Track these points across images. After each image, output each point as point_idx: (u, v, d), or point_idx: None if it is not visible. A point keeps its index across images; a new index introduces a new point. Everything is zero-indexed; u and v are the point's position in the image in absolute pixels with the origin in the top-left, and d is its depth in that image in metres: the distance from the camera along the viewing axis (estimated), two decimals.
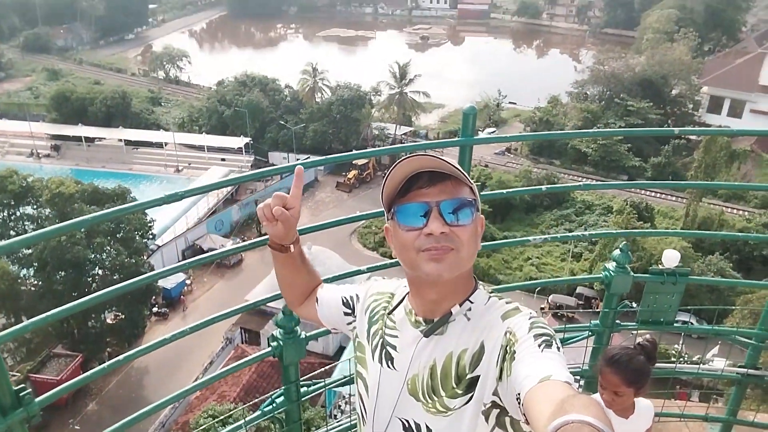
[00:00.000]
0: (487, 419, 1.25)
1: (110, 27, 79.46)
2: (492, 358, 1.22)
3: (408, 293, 1.43)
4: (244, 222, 35.80)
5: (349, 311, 1.59)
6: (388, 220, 1.36)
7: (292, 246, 1.60)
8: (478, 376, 1.25)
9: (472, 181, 1.30)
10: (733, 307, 18.98)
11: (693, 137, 39.79)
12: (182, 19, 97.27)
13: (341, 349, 22.77)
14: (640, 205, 30.71)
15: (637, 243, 24.22)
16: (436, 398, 1.30)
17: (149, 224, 26.39)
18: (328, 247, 25.21)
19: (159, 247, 29.98)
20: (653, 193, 35.29)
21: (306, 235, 2.62)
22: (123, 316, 23.90)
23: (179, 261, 30.98)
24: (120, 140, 43.46)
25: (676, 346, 14.37)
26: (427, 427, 1.32)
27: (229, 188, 37.08)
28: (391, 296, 1.49)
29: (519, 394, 1.09)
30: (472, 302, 1.33)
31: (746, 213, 32.92)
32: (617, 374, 2.38)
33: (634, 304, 3.41)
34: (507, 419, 1.24)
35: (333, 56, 69.32)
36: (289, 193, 1.51)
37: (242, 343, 23.27)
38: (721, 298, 23.70)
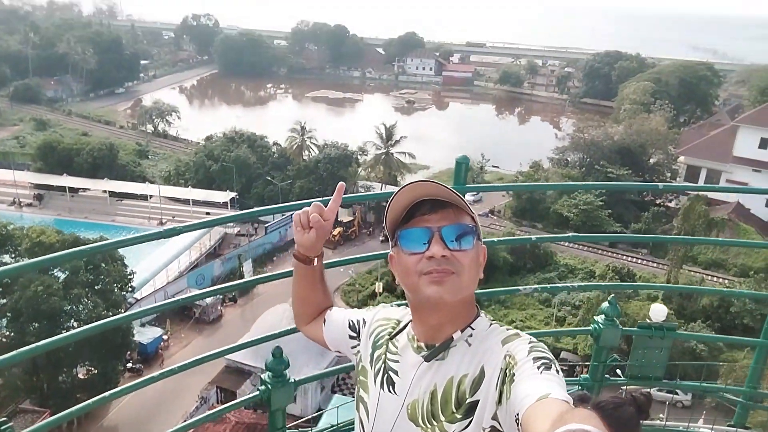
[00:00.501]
0: None
1: (101, 80, 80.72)
2: (492, 382, 1.24)
3: (411, 321, 1.44)
4: (225, 277, 35.37)
5: (355, 335, 1.60)
6: (392, 247, 1.40)
7: (315, 259, 1.63)
8: (478, 401, 1.26)
9: (473, 211, 1.34)
10: (719, 363, 18.92)
11: (671, 205, 40.85)
12: (173, 76, 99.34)
13: (320, 412, 22.09)
14: (622, 271, 31.03)
15: (621, 308, 24.26)
16: (435, 423, 1.30)
17: (129, 276, 25.97)
18: None
19: (137, 300, 29.34)
20: (635, 259, 35.73)
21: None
22: (95, 371, 23.08)
23: (156, 315, 30.39)
24: (104, 191, 43.29)
25: (661, 415, 14.22)
26: None
27: (212, 242, 36.90)
28: (397, 323, 1.50)
29: (518, 414, 1.09)
30: (473, 328, 1.35)
31: (726, 281, 33.32)
32: (602, 423, 2.34)
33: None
34: None
35: (321, 116, 70.81)
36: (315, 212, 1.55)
37: (218, 402, 22.49)
38: (704, 366, 23.60)
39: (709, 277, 33.34)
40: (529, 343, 1.24)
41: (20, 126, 62.68)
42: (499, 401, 1.20)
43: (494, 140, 61.04)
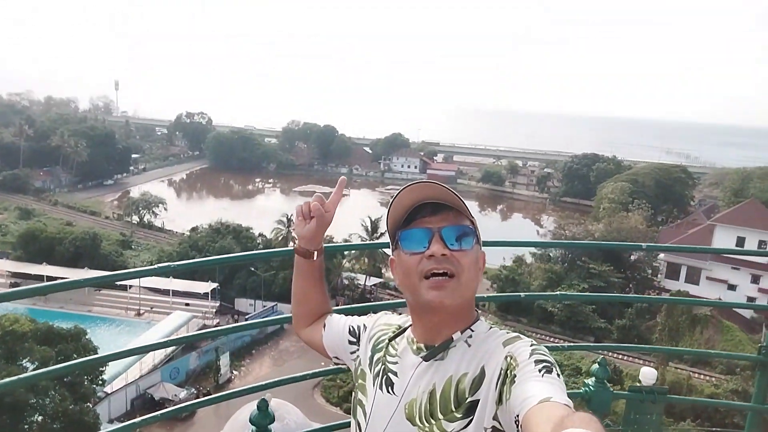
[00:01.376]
0: None
1: (91, 173, 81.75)
2: (492, 382, 1.23)
3: (411, 325, 1.45)
4: (201, 371, 34.11)
5: (355, 341, 1.59)
6: (393, 250, 1.42)
7: (315, 254, 1.64)
8: (478, 400, 1.24)
9: (472, 215, 1.37)
10: (712, 429, 18.15)
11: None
12: (164, 169, 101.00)
13: None
14: (609, 367, 30.48)
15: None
16: (433, 422, 1.28)
17: (101, 368, 24.92)
18: (288, 400, 23.86)
19: (107, 394, 28.03)
20: (621, 356, 35.24)
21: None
22: None
23: (126, 410, 28.92)
24: None
25: None
26: None
27: (189, 334, 35.82)
28: (398, 328, 1.50)
29: (518, 416, 1.08)
30: (473, 330, 1.35)
31: (713, 378, 32.84)
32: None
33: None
34: None
35: None
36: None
37: None
38: None
39: (696, 375, 32.87)
40: (531, 346, 1.24)
41: (4, 215, 62.37)
42: (499, 401, 1.19)
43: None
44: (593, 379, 3.19)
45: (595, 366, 3.22)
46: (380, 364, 1.45)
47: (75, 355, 23.63)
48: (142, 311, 39.95)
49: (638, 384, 3.30)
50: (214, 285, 40.76)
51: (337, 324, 1.66)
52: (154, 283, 42.94)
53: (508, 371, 1.19)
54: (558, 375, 1.16)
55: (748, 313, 38.78)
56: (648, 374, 3.30)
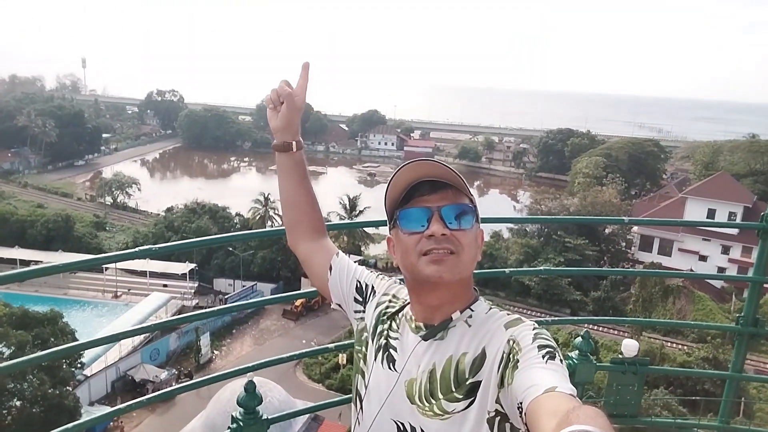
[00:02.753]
0: (492, 427, 1.23)
1: (61, 153, 79.72)
2: (494, 365, 1.22)
3: (409, 303, 1.43)
4: (181, 352, 34.01)
5: (361, 300, 1.56)
6: (390, 229, 1.40)
7: (294, 144, 1.63)
8: (479, 382, 1.24)
9: (471, 193, 1.35)
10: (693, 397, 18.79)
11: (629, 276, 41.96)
12: (136, 149, 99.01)
13: None
14: (593, 350, 31.14)
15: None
16: (433, 401, 1.28)
17: (79, 352, 24.66)
18: (271, 378, 23.99)
19: (87, 377, 27.81)
20: (596, 328, 36.03)
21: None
22: None
23: (107, 393, 28.77)
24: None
25: None
26: (422, 430, 1.29)
27: (169, 315, 35.59)
28: (404, 302, 1.48)
29: (521, 402, 1.08)
30: (473, 310, 1.35)
31: (685, 347, 33.83)
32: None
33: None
34: (507, 426, 1.22)
35: None
36: None
37: None
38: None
39: (669, 344, 33.78)
40: (534, 330, 1.23)
41: None
42: (501, 384, 1.19)
43: None
44: (577, 352, 3.25)
45: (579, 339, 3.27)
46: (383, 339, 1.44)
47: (52, 339, 23.38)
48: (119, 293, 39.51)
49: (620, 356, 3.37)
50: (192, 265, 40.44)
51: (345, 271, 1.60)
52: (130, 264, 42.37)
53: (511, 355, 1.19)
54: (561, 360, 1.16)
55: (718, 283, 39.87)
56: (630, 346, 3.37)
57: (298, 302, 38.28)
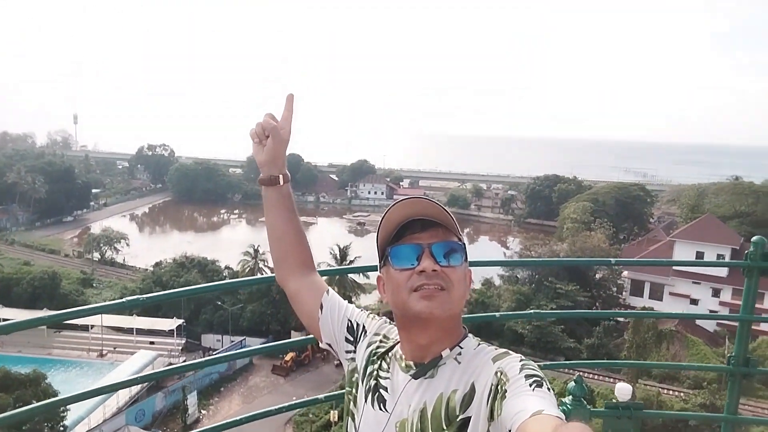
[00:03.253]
0: None
1: (50, 210, 79.44)
2: (483, 398, 1.22)
3: (399, 342, 1.43)
4: (168, 412, 33.02)
5: (352, 340, 1.54)
6: (381, 267, 1.41)
7: (281, 178, 1.61)
8: (469, 417, 1.23)
9: (460, 231, 1.38)
10: None
11: (621, 319, 41.71)
12: (125, 204, 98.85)
13: None
14: (587, 395, 30.62)
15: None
16: None
17: (62, 414, 23.89)
18: None
19: None
20: (591, 375, 35.54)
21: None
22: None
23: None
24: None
25: None
26: None
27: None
28: (395, 342, 1.47)
29: (510, 430, 1.08)
30: (462, 347, 1.35)
31: (681, 393, 33.37)
32: None
33: None
34: None
35: None
36: None
37: None
38: None
39: (665, 391, 33.34)
40: (521, 361, 1.25)
41: None
42: (491, 417, 1.19)
43: None
44: (570, 397, 3.19)
45: (572, 384, 3.22)
46: (373, 379, 1.43)
47: (34, 401, 22.61)
48: (104, 351, 38.61)
49: (614, 401, 3.31)
50: (180, 321, 39.73)
51: (336, 310, 1.59)
52: (116, 321, 41.63)
53: (499, 386, 1.19)
54: (548, 389, 1.17)
55: (711, 327, 39.75)
56: (623, 390, 3.32)
57: (287, 357, 37.57)
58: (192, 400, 32.63)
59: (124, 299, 2.15)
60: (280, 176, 1.63)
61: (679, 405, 30.87)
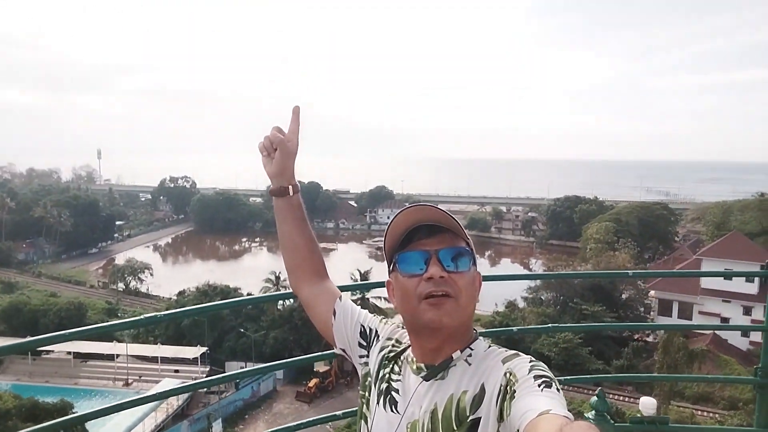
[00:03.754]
0: None
1: (75, 242, 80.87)
2: (492, 399, 1.23)
3: (410, 346, 1.45)
4: None
5: (365, 344, 1.56)
6: (390, 273, 1.43)
7: (291, 188, 1.65)
8: (480, 418, 1.24)
9: (468, 235, 1.40)
10: None
11: (650, 339, 40.77)
12: (148, 235, 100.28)
13: None
14: (610, 411, 30.01)
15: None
16: None
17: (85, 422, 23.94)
18: None
19: None
20: (621, 397, 34.70)
21: None
22: None
23: None
24: (68, 353, 41.35)
25: None
26: None
27: (179, 404, 34.79)
28: (406, 345, 1.49)
29: (518, 429, 1.09)
30: (472, 349, 1.36)
31: (717, 415, 32.36)
32: None
33: None
34: None
35: None
36: None
37: None
38: None
39: (699, 412, 32.38)
40: (530, 362, 1.25)
41: None
42: (501, 418, 1.20)
43: None
44: (593, 412, 3.15)
45: (594, 399, 3.19)
46: (384, 382, 1.44)
47: (61, 431, 22.79)
48: (130, 380, 38.84)
49: (639, 415, 3.26)
50: (204, 349, 39.90)
51: (349, 315, 1.61)
52: (141, 351, 42.01)
53: (508, 387, 1.20)
54: (558, 390, 1.17)
55: (744, 345, 38.63)
56: (648, 404, 3.27)
57: (311, 383, 37.36)
58: (217, 428, 32.51)
59: (141, 316, 2.22)
60: (290, 187, 1.66)
61: (715, 426, 29.91)
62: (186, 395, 35.46)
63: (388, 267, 1.43)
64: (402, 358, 1.46)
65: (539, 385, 1.16)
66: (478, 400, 1.26)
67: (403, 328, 1.55)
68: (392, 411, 1.38)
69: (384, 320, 1.61)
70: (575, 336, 38.09)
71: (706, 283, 42.79)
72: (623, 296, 45.10)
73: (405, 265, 1.36)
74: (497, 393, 1.23)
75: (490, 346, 1.38)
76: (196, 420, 33.23)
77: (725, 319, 42.11)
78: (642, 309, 45.74)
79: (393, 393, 1.41)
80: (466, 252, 1.36)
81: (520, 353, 1.32)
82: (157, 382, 37.51)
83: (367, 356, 1.55)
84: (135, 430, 31.08)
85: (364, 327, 1.59)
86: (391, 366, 1.46)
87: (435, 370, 1.35)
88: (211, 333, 41.56)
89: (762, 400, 3.24)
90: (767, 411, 3.21)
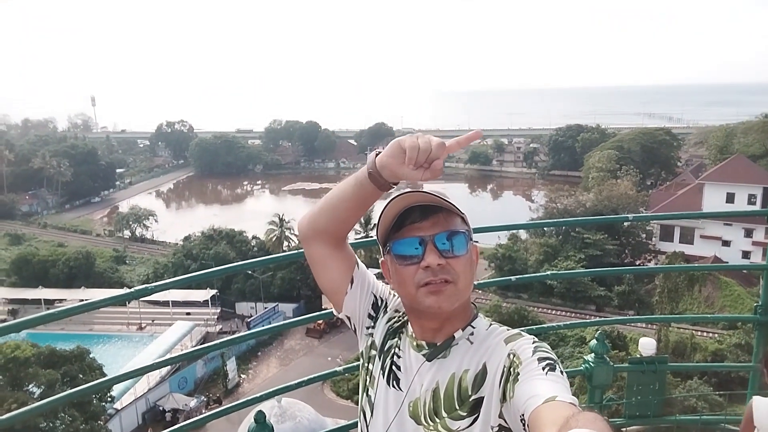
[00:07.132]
0: None
1: (77, 192, 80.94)
2: (495, 380, 1.24)
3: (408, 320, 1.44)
4: (209, 378, 34.16)
5: (374, 316, 1.52)
6: (384, 254, 1.39)
7: (389, 186, 1.42)
8: (482, 398, 1.25)
9: (462, 212, 1.34)
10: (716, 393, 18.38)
11: (651, 265, 41.32)
12: (149, 181, 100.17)
13: None
14: (612, 335, 30.79)
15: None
16: (438, 420, 1.29)
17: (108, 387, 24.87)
18: (299, 397, 23.94)
19: (117, 411, 28.04)
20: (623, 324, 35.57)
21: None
22: None
23: (138, 425, 28.99)
24: (81, 301, 42.19)
25: None
26: None
27: (193, 344, 35.82)
28: (407, 320, 1.47)
29: (523, 414, 1.09)
30: (474, 327, 1.36)
31: (716, 335, 33.18)
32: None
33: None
34: None
35: (299, 207, 71.34)
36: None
37: None
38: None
39: (699, 333, 33.17)
40: (533, 343, 1.24)
41: None
42: (503, 399, 1.20)
43: (470, 217, 61.40)
44: (593, 355, 3.21)
45: (593, 342, 3.23)
46: (389, 357, 1.43)
47: (81, 375, 23.59)
48: (143, 325, 39.88)
49: (638, 356, 3.32)
50: (213, 291, 40.69)
51: (366, 285, 1.52)
52: (152, 295, 42.78)
53: (512, 369, 1.20)
54: (561, 372, 1.17)
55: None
56: (647, 345, 3.32)
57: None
58: (231, 365, 33.67)
59: (132, 289, 2.23)
60: (391, 186, 1.38)
61: (714, 346, 30.71)
62: (200, 336, 36.52)
63: (382, 249, 1.39)
64: (403, 331, 1.45)
65: (543, 368, 1.15)
66: (480, 379, 1.27)
67: None
68: (395, 387, 1.39)
69: (393, 293, 1.54)
70: (577, 264, 38.62)
71: (707, 206, 42.91)
72: (625, 224, 45.33)
73: (400, 252, 1.32)
74: (500, 374, 1.22)
75: (491, 324, 1.37)
76: (211, 359, 34.29)
77: (726, 242, 42.51)
78: (644, 236, 46.11)
79: (395, 369, 1.41)
80: (461, 233, 1.32)
81: (523, 333, 1.31)
82: (169, 325, 38.52)
83: (374, 327, 1.52)
84: (151, 373, 32.19)
85: (376, 298, 1.53)
86: (395, 340, 1.45)
87: (438, 349, 1.34)
88: (220, 276, 42.26)
89: (760, 337, 3.29)
90: (765, 347, 3.25)
